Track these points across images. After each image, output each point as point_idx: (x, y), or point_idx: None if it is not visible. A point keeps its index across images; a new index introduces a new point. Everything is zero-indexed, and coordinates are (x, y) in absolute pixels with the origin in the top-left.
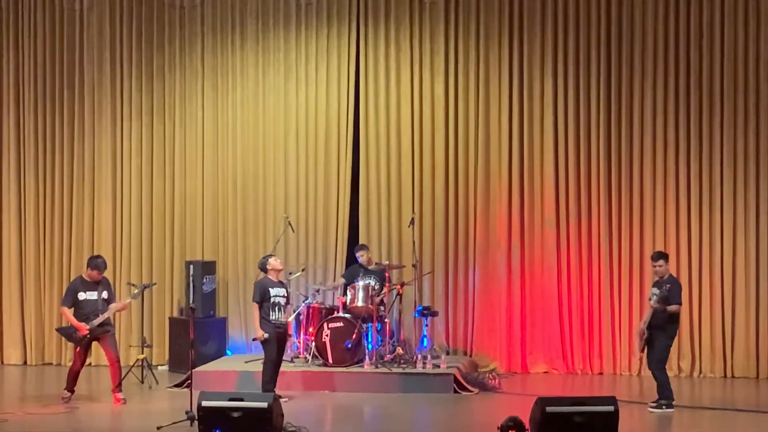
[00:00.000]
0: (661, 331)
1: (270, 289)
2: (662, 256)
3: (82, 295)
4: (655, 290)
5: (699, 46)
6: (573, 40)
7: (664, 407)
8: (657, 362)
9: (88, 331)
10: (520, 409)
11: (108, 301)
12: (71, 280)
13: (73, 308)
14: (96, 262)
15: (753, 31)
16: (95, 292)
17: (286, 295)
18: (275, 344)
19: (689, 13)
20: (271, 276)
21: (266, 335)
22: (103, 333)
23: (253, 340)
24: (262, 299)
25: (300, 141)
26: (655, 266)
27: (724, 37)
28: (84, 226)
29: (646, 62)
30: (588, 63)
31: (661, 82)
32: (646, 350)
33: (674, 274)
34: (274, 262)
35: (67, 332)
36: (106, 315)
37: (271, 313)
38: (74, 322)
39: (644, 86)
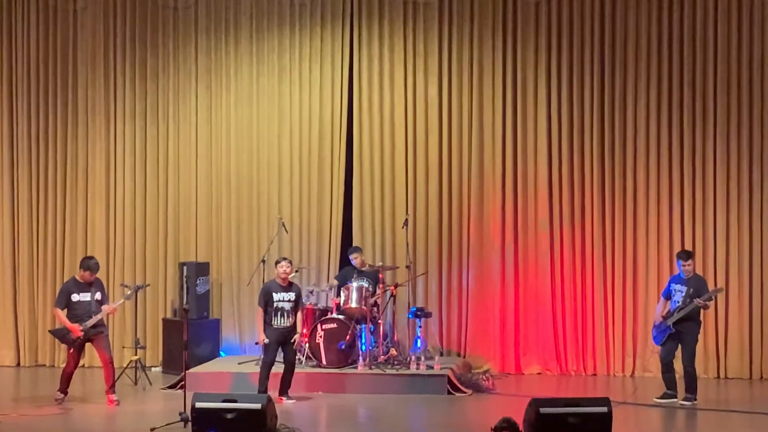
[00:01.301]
0: (693, 326)
1: (274, 294)
2: (691, 255)
3: (75, 297)
4: (680, 287)
5: (692, 47)
6: (566, 42)
7: (693, 401)
8: (690, 357)
9: (81, 333)
10: (513, 410)
11: (101, 303)
12: (64, 281)
13: (66, 309)
14: (88, 264)
15: (746, 33)
16: (88, 294)
17: (292, 299)
18: (275, 348)
19: (683, 14)
20: (279, 279)
21: (266, 340)
22: (97, 334)
23: (256, 344)
24: (266, 304)
25: (294, 142)
26: (685, 265)
27: (717, 38)
28: (77, 226)
29: (640, 63)
30: (582, 64)
31: (655, 84)
32: (663, 345)
33: (668, 275)
34: (279, 269)
35: (60, 334)
36: (99, 316)
37: (273, 318)
38: (67, 323)
39: (638, 87)
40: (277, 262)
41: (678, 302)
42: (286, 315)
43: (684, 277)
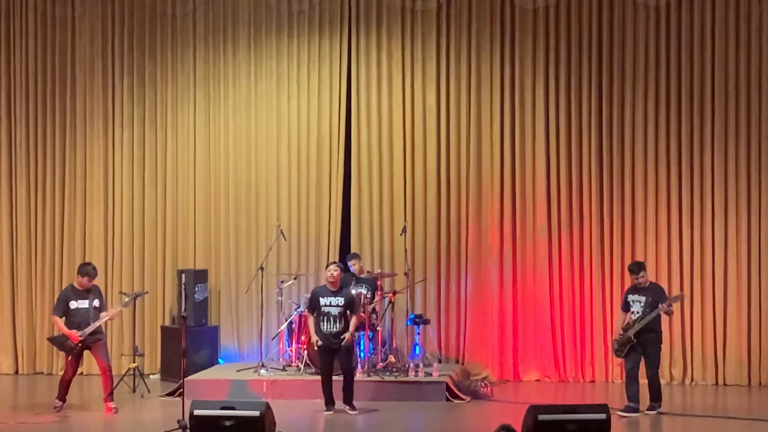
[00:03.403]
0: (656, 337)
1: (320, 298)
2: (642, 267)
3: (73, 304)
4: (637, 297)
5: (690, 54)
6: (564, 49)
7: (658, 408)
8: (656, 368)
9: (79, 340)
10: (512, 417)
11: (99, 310)
12: (63, 288)
13: (64, 317)
14: (86, 269)
15: (744, 39)
16: (86, 301)
17: (341, 304)
18: (323, 354)
19: (680, 21)
20: (329, 285)
21: (319, 342)
22: (95, 342)
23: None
24: (313, 308)
25: (292, 149)
26: (639, 278)
27: (714, 45)
28: (75, 234)
29: (638, 70)
30: (579, 71)
31: (653, 90)
32: (626, 357)
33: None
34: (326, 273)
35: (58, 342)
36: (97, 323)
37: (321, 322)
38: (66, 331)
39: (635, 94)
40: (327, 266)
41: (638, 312)
42: (333, 320)
43: (639, 287)
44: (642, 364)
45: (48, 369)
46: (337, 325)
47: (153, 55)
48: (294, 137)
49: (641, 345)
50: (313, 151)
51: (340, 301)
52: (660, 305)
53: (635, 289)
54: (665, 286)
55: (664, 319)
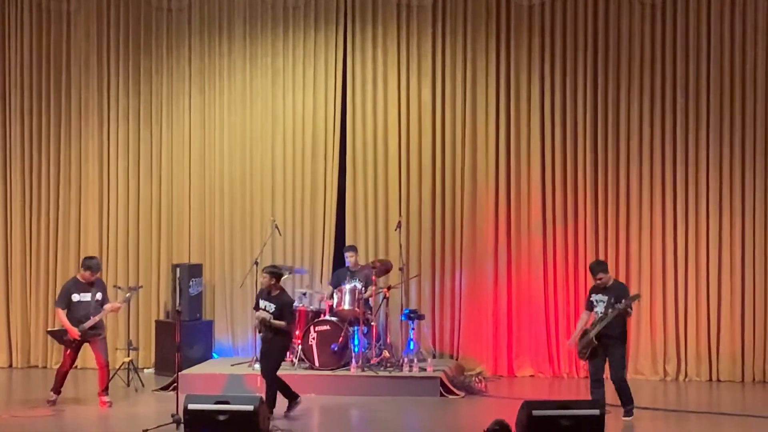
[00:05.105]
0: (618, 339)
1: (260, 300)
2: (603, 267)
3: (75, 297)
4: (601, 296)
5: (686, 51)
6: (560, 45)
7: (632, 412)
8: (619, 371)
9: (79, 336)
10: (506, 413)
11: (102, 303)
12: (57, 283)
13: (66, 309)
14: (89, 263)
15: (739, 38)
16: (89, 294)
17: (273, 310)
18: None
19: (676, 18)
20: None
21: (259, 317)
22: (94, 336)
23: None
24: (257, 309)
25: (287, 144)
26: (597, 279)
27: (710, 43)
28: (70, 228)
29: (633, 67)
30: (575, 68)
31: (648, 87)
32: (589, 359)
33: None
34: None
35: (58, 335)
36: (98, 317)
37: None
38: (66, 324)
39: (631, 91)
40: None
41: (601, 313)
42: (264, 325)
43: (602, 286)
44: (607, 366)
45: (42, 362)
46: (268, 331)
47: (148, 50)
48: (289, 132)
49: (603, 347)
50: (308, 146)
51: (272, 307)
52: (616, 305)
53: (598, 289)
54: (659, 283)
55: (644, 318)
